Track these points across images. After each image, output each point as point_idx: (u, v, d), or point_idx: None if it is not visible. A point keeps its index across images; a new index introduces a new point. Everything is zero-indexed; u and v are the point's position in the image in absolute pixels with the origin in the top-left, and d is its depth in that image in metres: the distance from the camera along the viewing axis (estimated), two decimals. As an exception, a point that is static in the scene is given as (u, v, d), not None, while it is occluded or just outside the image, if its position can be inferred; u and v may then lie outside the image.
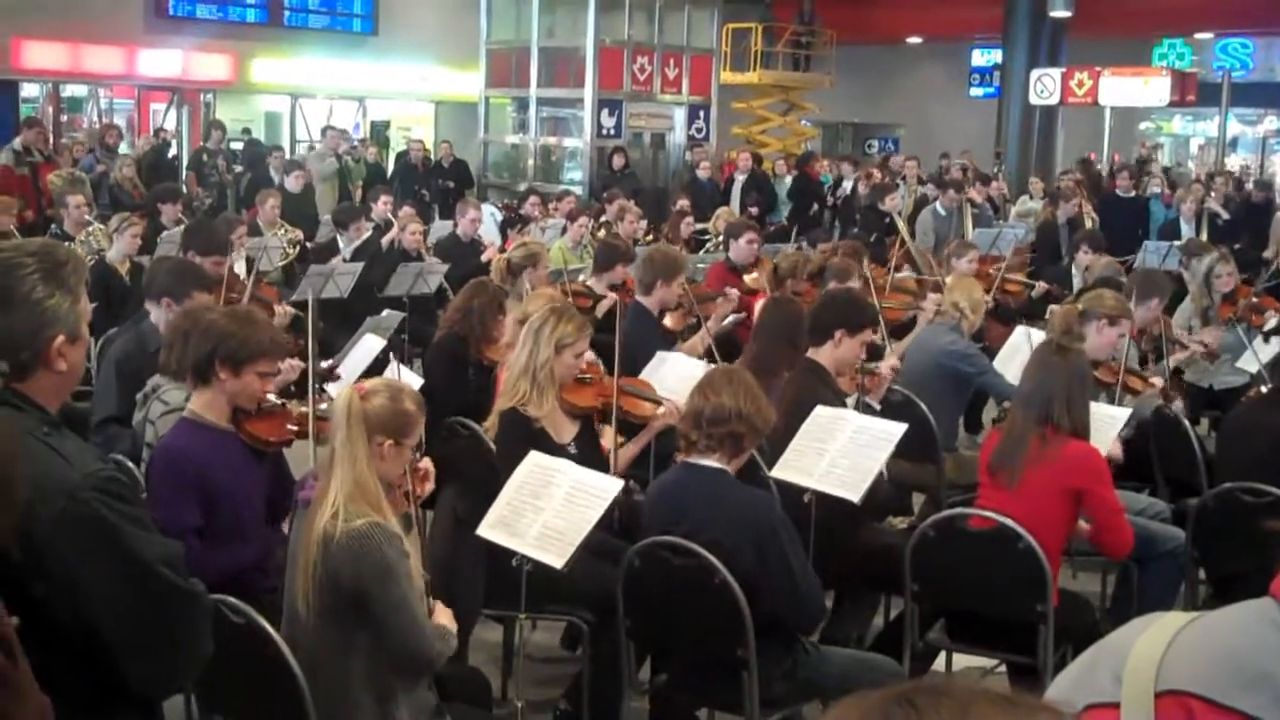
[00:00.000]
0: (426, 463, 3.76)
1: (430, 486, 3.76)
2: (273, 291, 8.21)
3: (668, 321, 7.22)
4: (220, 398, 4.08)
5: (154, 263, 7.04)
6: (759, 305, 7.21)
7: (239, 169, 16.84)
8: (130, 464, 4.37)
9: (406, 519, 3.55)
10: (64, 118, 21.16)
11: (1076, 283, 9.47)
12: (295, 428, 4.33)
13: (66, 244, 8.16)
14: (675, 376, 5.62)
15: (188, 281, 5.75)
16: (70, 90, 21.57)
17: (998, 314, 8.96)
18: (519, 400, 4.76)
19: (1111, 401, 5.72)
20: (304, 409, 4.38)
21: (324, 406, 4.42)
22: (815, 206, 17.65)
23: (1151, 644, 1.18)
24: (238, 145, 19.09)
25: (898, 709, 0.97)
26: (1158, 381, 6.18)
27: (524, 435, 4.64)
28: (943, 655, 4.77)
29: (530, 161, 20.44)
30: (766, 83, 24.27)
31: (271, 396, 4.30)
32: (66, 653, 2.31)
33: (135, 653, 2.37)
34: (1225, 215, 13.48)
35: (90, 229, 9.57)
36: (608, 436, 5.00)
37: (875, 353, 5.91)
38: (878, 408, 5.41)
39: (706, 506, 3.99)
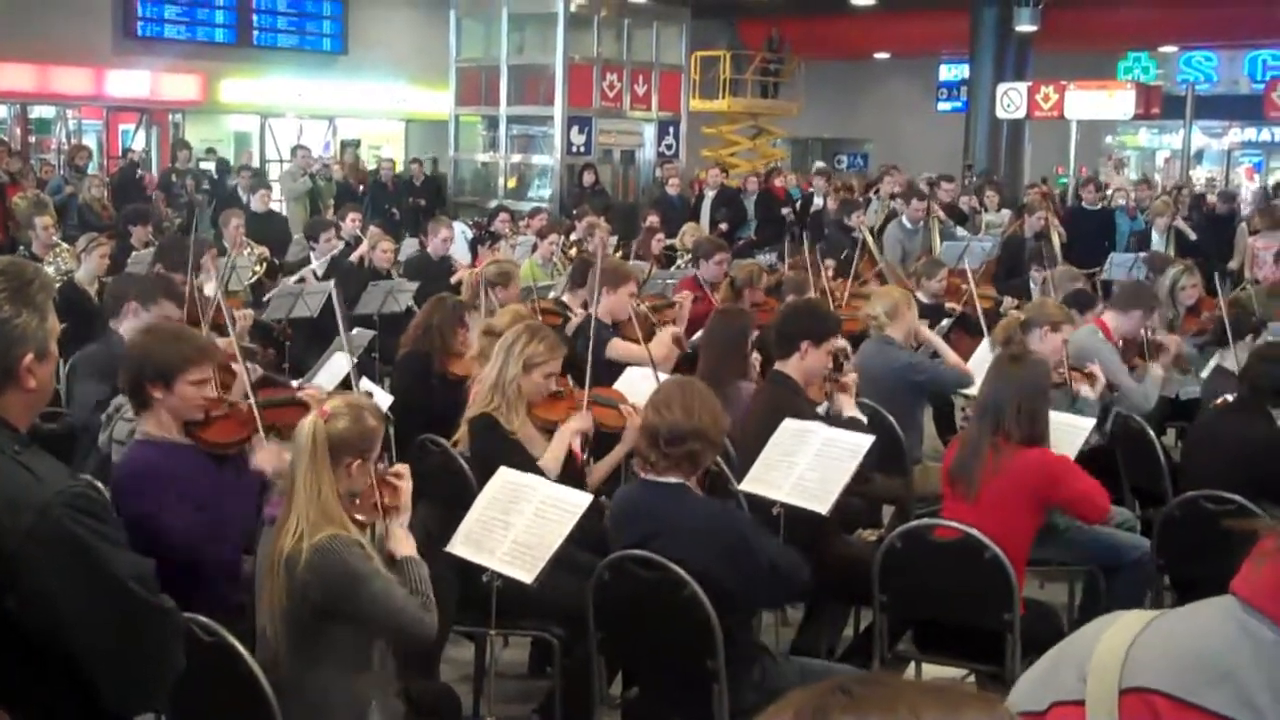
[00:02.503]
0: (400, 468, 3.76)
1: (408, 489, 3.73)
2: (235, 301, 8.19)
3: (626, 333, 7.26)
4: (164, 415, 4.06)
5: (114, 281, 7.03)
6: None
7: (204, 191, 16.77)
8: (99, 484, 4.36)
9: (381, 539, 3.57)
10: (32, 139, 21.08)
11: (1035, 297, 9.53)
12: (249, 427, 4.31)
13: (36, 265, 8.12)
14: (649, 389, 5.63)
15: (157, 289, 5.75)
16: (38, 111, 21.49)
17: (966, 327, 9.02)
18: (491, 409, 4.80)
19: (1074, 402, 5.76)
20: (249, 403, 4.35)
21: (276, 398, 4.43)
22: (782, 221, 17.70)
23: (1115, 641, 1.20)
24: (208, 165, 19.04)
25: (833, 697, 1.01)
26: (1098, 372, 6.21)
27: (499, 438, 4.67)
28: (912, 665, 4.80)
29: (501, 179, 20.46)
30: (736, 110, 24.49)
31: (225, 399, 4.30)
32: (38, 669, 2.31)
33: (107, 669, 2.37)
34: (1193, 236, 13.61)
35: (58, 250, 9.54)
36: (576, 420, 4.97)
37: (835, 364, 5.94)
38: (864, 418, 5.43)
39: (672, 523, 3.99)
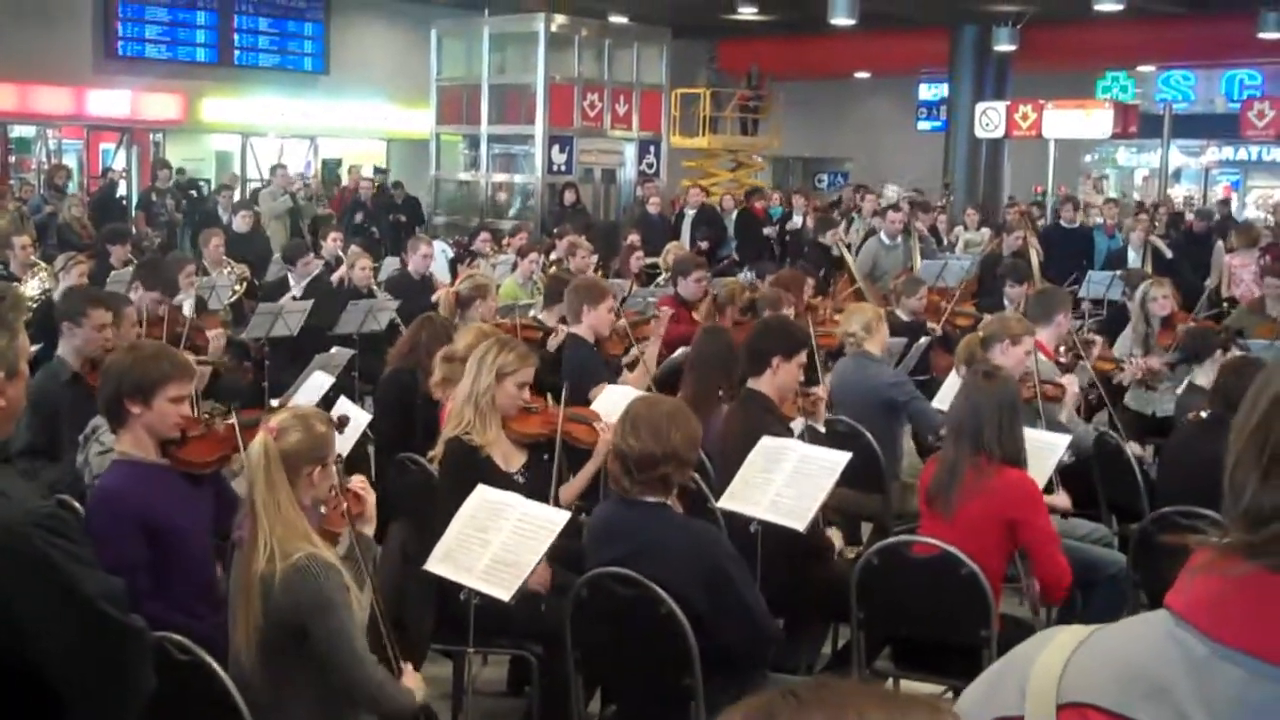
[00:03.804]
0: (358, 480, 3.77)
1: (371, 502, 3.74)
2: (216, 322, 8.19)
3: (609, 348, 7.29)
4: (140, 433, 4.05)
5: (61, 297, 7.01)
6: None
7: (184, 211, 16.76)
8: (75, 503, 4.36)
9: (352, 546, 3.57)
10: (12, 158, 21.03)
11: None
12: (226, 446, 4.30)
13: (12, 283, 8.13)
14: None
15: (77, 301, 5.74)
16: (18, 131, 21.44)
17: (945, 345, 9.05)
18: (463, 428, 4.79)
19: (1037, 417, 5.76)
20: (229, 422, 4.35)
21: (252, 418, 4.43)
22: (765, 240, 17.77)
23: (1053, 657, 1.21)
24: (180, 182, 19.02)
25: (781, 701, 1.02)
26: (1070, 381, 6.24)
27: (468, 464, 4.66)
28: (890, 682, 4.81)
29: (482, 198, 20.48)
30: (715, 146, 24.66)
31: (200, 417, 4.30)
32: (8, 689, 2.31)
33: (78, 688, 2.37)
34: (1169, 254, 13.70)
35: (36, 269, 9.53)
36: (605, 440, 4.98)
37: (809, 378, 5.96)
38: (823, 430, 5.46)
39: (652, 541, 3.99)
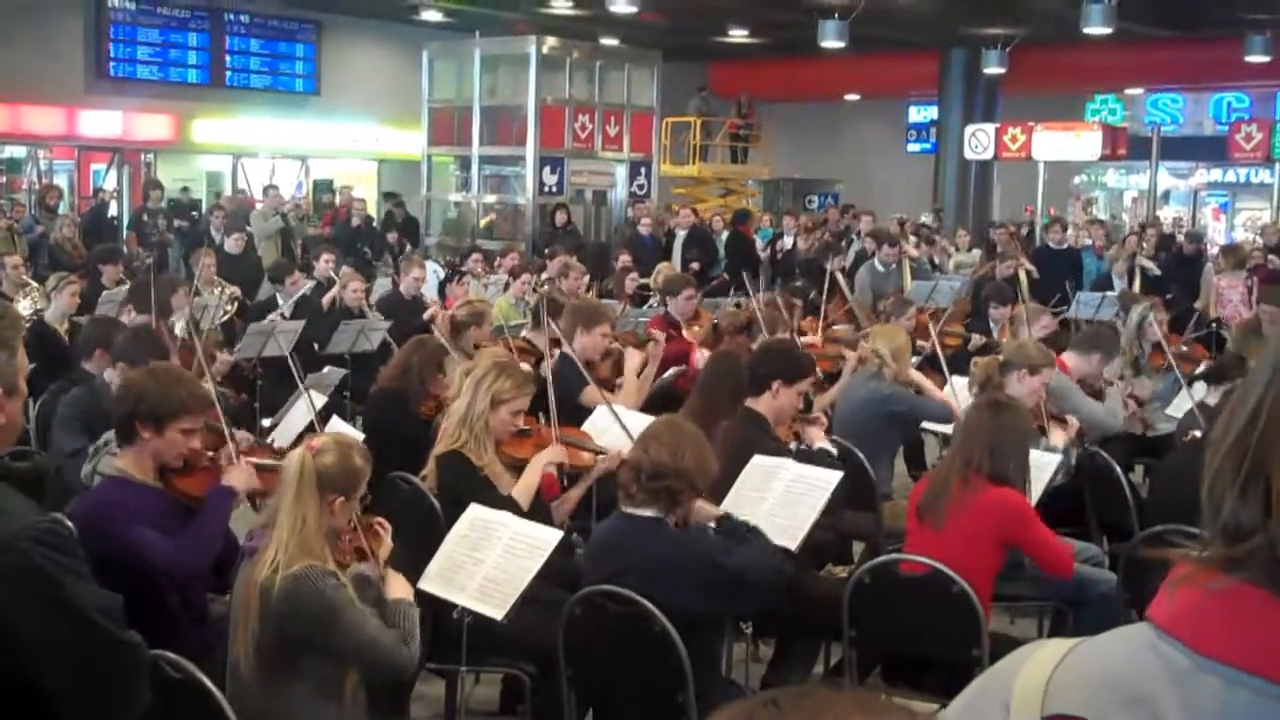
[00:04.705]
0: (380, 521, 3.79)
1: (389, 544, 3.78)
2: (209, 342, 8.19)
3: (598, 371, 7.29)
4: (144, 455, 4.06)
5: (90, 322, 7.02)
6: (696, 357, 7.31)
7: (176, 230, 16.74)
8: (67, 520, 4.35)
9: (362, 580, 3.58)
10: (3, 178, 21.02)
11: (995, 336, 9.62)
12: None
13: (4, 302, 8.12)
14: (618, 429, 5.66)
15: (142, 347, 5.72)
16: (10, 151, 21.44)
17: (933, 365, 9.08)
18: (459, 445, 4.82)
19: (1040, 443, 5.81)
20: (231, 461, 4.36)
21: (259, 461, 4.43)
22: (757, 261, 17.81)
23: (1037, 670, 1.23)
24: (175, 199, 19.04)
25: (763, 709, 1.03)
26: (1073, 421, 6.28)
27: (467, 474, 4.69)
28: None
29: (474, 219, 20.51)
30: (705, 175, 24.76)
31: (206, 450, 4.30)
32: (7, 702, 2.32)
33: (75, 701, 2.38)
34: (1156, 271, 13.75)
35: (28, 289, 9.54)
36: (548, 452, 5.03)
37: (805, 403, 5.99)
38: (833, 450, 5.47)
39: (644, 556, 4.02)
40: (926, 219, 20.13)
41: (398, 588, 3.62)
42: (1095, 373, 6.99)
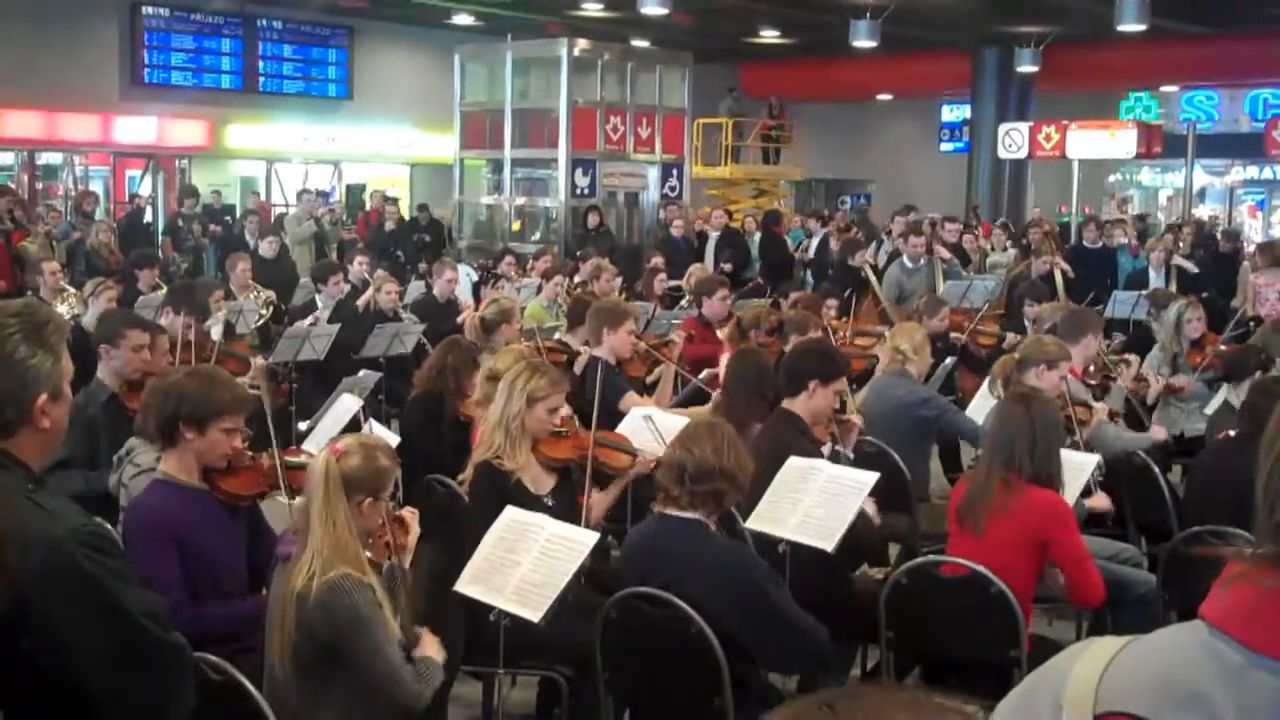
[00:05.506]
0: (408, 512, 3.80)
1: (415, 533, 3.79)
2: (243, 346, 8.24)
3: (630, 369, 7.32)
4: (188, 457, 4.12)
5: (98, 321, 7.07)
6: (725, 358, 7.32)
7: (210, 235, 16.85)
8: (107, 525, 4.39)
9: (390, 571, 3.60)
10: (39, 185, 21.21)
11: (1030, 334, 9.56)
12: (267, 481, 4.36)
13: (49, 307, 8.19)
14: (652, 431, 5.66)
15: (114, 323, 5.79)
16: (46, 158, 21.62)
17: (969, 365, 9.05)
18: (494, 453, 4.81)
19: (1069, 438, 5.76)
20: (273, 461, 4.40)
21: (294, 459, 4.46)
22: (791, 261, 17.81)
23: (1090, 667, 1.22)
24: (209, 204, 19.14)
25: (816, 712, 1.03)
26: (1101, 408, 6.23)
27: (497, 488, 4.68)
28: (919, 703, 4.79)
29: (506, 222, 20.55)
30: (738, 176, 24.74)
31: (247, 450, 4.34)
32: (52, 708, 2.33)
33: (120, 705, 2.39)
34: (1194, 269, 13.65)
35: (65, 294, 9.61)
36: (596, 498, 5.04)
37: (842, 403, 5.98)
38: (852, 456, 5.46)
39: (684, 560, 4.00)
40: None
41: (430, 647, 3.61)
42: (1095, 355, 6.96)
